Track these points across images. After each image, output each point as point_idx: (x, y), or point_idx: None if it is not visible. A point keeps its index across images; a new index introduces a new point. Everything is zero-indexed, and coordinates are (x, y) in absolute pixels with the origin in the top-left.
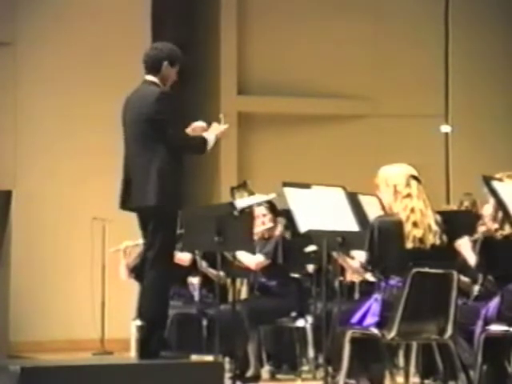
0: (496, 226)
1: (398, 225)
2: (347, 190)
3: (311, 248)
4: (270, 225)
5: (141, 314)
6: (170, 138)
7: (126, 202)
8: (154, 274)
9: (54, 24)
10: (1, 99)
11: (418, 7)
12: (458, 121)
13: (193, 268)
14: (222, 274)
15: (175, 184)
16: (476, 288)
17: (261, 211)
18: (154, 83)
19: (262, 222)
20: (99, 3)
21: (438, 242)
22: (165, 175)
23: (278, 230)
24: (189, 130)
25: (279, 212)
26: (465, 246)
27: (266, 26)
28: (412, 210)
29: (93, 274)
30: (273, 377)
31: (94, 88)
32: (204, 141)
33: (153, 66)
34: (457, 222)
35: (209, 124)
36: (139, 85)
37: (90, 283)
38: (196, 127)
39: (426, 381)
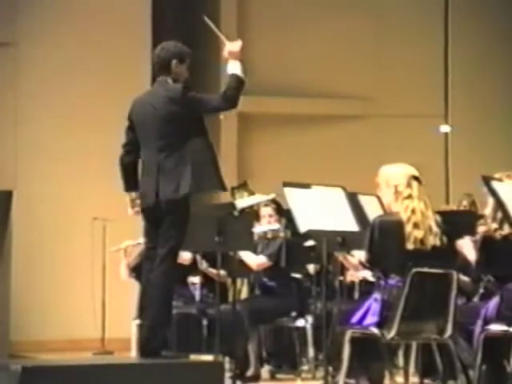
0: (495, 225)
1: (399, 224)
2: (347, 190)
3: (310, 242)
4: (277, 226)
5: (144, 313)
6: (221, 105)
7: (153, 199)
8: (162, 271)
9: (54, 25)
10: (1, 99)
11: (418, 8)
12: (457, 121)
13: (193, 267)
14: (222, 272)
15: (209, 171)
16: (481, 287)
17: (267, 212)
18: (166, 82)
19: (269, 223)
20: (99, 4)
21: (438, 243)
22: (196, 167)
23: (283, 232)
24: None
25: (284, 213)
26: (466, 246)
27: (266, 26)
28: (413, 211)
29: (93, 274)
30: (273, 376)
31: (94, 88)
32: (236, 77)
33: (163, 67)
34: (456, 222)
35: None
36: (153, 86)
37: (91, 283)
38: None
39: (426, 380)
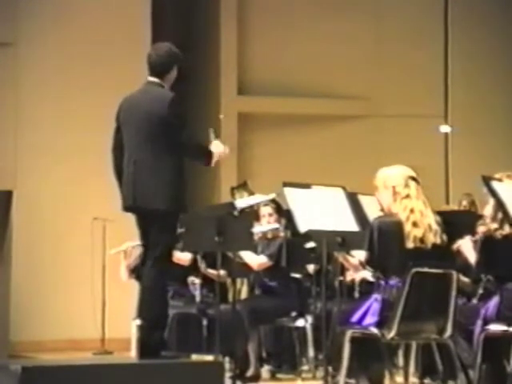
0: (495, 225)
1: (398, 225)
2: (347, 190)
3: (311, 244)
4: (276, 225)
5: (141, 314)
6: (185, 141)
7: (130, 202)
8: (155, 273)
9: (54, 24)
10: (1, 99)
11: (417, 7)
12: (457, 121)
13: (193, 268)
14: (222, 272)
15: (183, 187)
16: (481, 287)
17: (267, 211)
18: (159, 84)
19: (268, 222)
20: (99, 3)
21: (438, 241)
22: (174, 179)
23: (283, 232)
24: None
25: (284, 213)
26: (466, 246)
27: (265, 25)
28: (411, 211)
29: (93, 274)
30: (273, 376)
31: (94, 88)
32: (211, 154)
33: (161, 70)
34: (457, 222)
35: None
36: (144, 86)
37: (91, 283)
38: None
39: (426, 380)
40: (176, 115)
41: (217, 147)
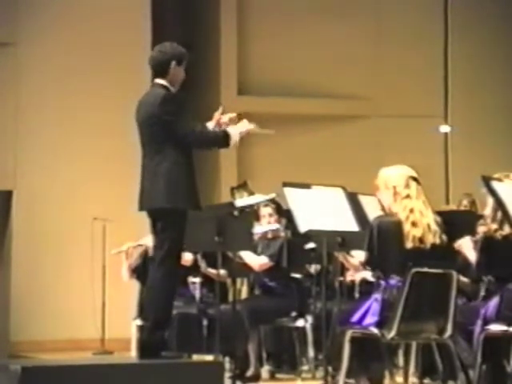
0: (495, 226)
1: (398, 225)
2: (347, 190)
3: (311, 245)
4: (277, 225)
5: (144, 313)
6: (183, 135)
7: (139, 205)
8: (162, 273)
9: (55, 25)
10: (1, 100)
11: (417, 9)
12: (457, 121)
13: (193, 268)
14: (222, 271)
15: (185, 184)
16: (483, 288)
17: (267, 211)
18: (162, 86)
19: (268, 223)
20: (99, 4)
21: (437, 241)
22: (173, 176)
23: (283, 232)
24: (213, 124)
25: (284, 213)
26: (466, 246)
27: (266, 26)
28: (411, 211)
29: (93, 274)
30: (273, 376)
31: (94, 88)
32: (225, 135)
33: (161, 69)
34: (457, 222)
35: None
36: (149, 88)
37: (91, 283)
38: (221, 120)
39: (426, 380)
40: (167, 112)
41: (240, 127)
